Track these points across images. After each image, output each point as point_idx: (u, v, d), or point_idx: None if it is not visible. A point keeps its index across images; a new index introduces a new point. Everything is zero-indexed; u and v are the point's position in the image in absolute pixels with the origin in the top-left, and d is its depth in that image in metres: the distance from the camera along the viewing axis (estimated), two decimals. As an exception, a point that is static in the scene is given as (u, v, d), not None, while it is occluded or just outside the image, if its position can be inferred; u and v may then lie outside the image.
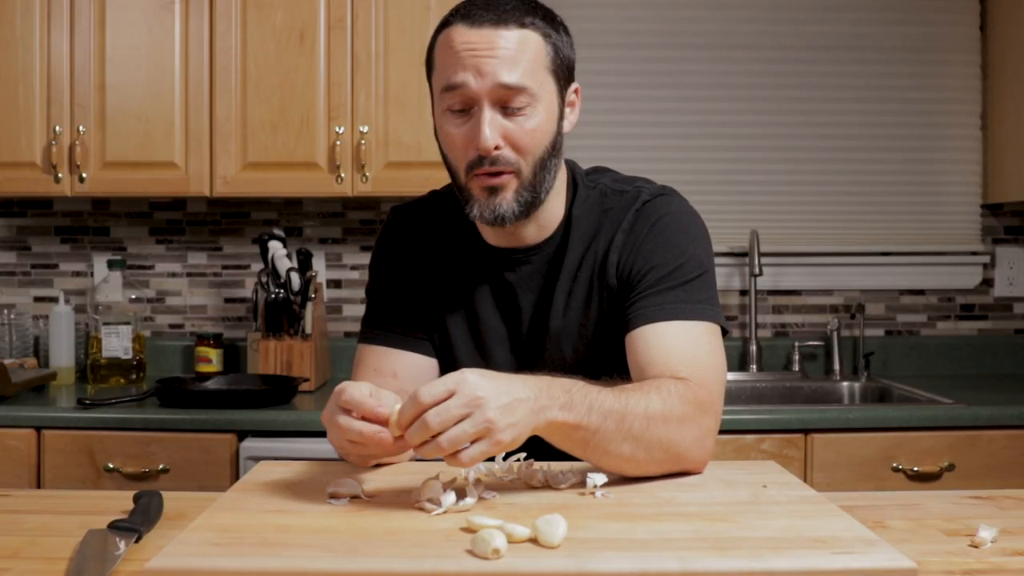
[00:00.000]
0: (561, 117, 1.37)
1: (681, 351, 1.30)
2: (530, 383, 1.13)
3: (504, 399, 1.07)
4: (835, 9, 3.07)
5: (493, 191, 1.32)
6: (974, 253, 3.10)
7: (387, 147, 2.67)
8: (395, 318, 1.48)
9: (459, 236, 1.47)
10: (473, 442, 1.06)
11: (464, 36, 1.29)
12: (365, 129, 2.66)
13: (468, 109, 1.31)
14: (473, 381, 1.06)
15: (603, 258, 1.40)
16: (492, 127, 1.29)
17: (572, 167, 1.48)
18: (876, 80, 3.07)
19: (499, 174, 1.31)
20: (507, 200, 1.33)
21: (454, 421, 1.05)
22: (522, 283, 1.44)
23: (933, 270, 3.10)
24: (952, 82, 3.08)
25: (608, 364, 1.41)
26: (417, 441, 1.06)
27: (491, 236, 1.44)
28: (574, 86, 1.40)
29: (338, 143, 2.66)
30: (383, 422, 1.12)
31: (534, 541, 0.95)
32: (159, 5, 2.68)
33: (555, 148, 1.36)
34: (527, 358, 1.44)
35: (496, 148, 1.30)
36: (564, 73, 1.36)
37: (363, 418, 1.13)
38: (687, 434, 1.22)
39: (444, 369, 1.50)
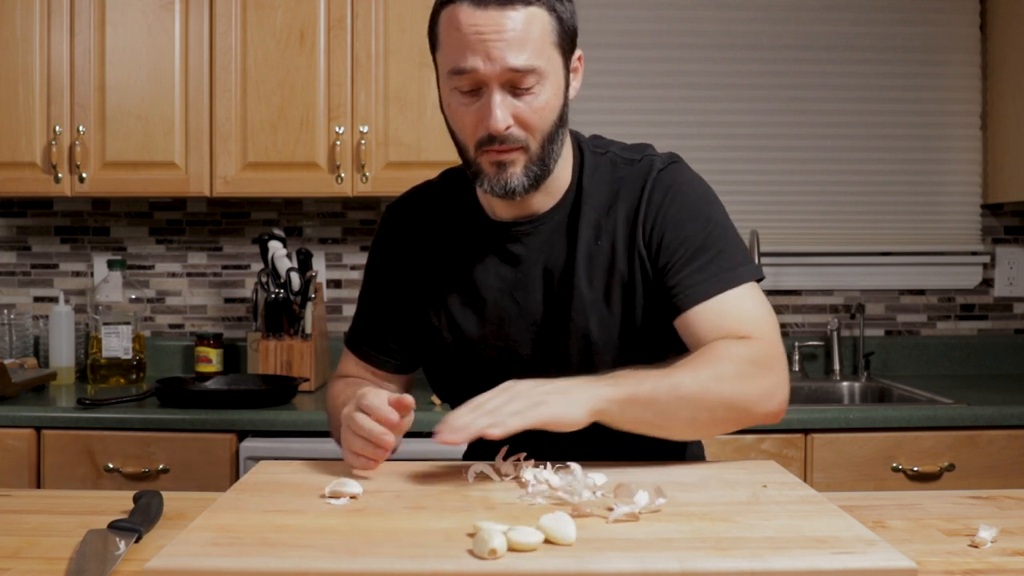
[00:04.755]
0: (567, 87, 1.36)
1: (739, 318, 1.33)
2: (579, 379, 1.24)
3: (542, 384, 1.19)
4: (835, 9, 3.07)
5: (502, 166, 1.32)
6: (974, 253, 3.10)
7: (387, 147, 2.67)
8: (382, 333, 1.51)
9: (459, 217, 1.46)
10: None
11: (471, 18, 1.27)
12: (365, 129, 2.66)
13: (477, 90, 1.30)
14: (515, 383, 1.21)
15: (629, 227, 1.39)
16: (502, 109, 1.28)
17: (575, 134, 1.47)
18: (876, 80, 3.07)
19: (508, 151, 1.31)
20: (516, 175, 1.33)
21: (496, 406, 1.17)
22: (531, 255, 1.41)
23: (933, 270, 3.10)
24: (952, 82, 3.08)
25: (637, 337, 1.39)
26: (467, 422, 1.15)
27: (499, 207, 1.42)
28: (577, 53, 1.38)
29: (338, 143, 2.66)
30: (392, 426, 1.23)
31: (548, 542, 0.95)
32: (159, 5, 2.68)
33: (562, 120, 1.35)
34: (550, 333, 1.40)
35: (506, 128, 1.29)
36: (569, 44, 1.35)
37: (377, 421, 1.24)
38: (751, 388, 1.27)
39: (460, 351, 1.45)
